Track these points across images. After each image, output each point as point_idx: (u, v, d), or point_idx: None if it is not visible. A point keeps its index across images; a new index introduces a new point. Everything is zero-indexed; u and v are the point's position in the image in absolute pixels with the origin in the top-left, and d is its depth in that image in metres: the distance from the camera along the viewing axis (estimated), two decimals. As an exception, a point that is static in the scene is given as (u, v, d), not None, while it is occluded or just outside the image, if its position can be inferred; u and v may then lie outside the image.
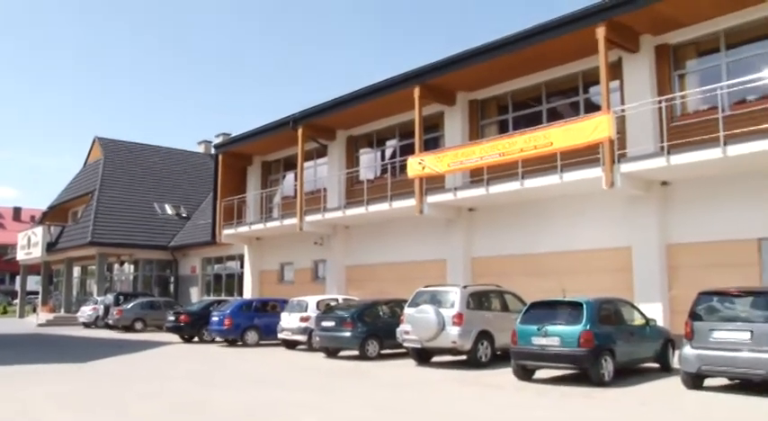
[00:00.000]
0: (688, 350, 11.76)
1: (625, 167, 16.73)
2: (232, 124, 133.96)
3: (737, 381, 12.02)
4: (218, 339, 23.85)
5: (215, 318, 22.99)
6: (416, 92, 21.85)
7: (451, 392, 12.35)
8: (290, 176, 31.31)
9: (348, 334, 17.84)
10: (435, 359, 16.76)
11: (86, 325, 34.68)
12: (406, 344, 16.56)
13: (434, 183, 21.80)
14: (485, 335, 15.68)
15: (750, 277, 15.61)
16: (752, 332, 11.12)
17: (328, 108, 25.67)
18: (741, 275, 15.46)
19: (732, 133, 15.15)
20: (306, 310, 20.53)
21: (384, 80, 23.17)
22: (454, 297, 15.90)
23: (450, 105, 23.05)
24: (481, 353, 15.57)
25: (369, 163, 27.59)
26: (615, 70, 18.72)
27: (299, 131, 26.59)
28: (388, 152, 26.92)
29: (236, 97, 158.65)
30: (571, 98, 20.81)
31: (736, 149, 14.88)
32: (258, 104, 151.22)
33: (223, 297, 32.31)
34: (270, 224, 28.51)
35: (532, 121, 20.72)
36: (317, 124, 26.94)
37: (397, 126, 25.71)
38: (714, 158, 15.29)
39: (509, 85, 21.90)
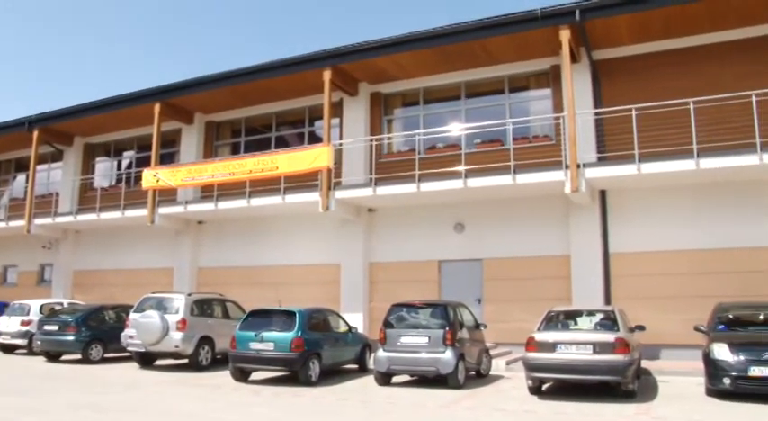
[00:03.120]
0: (381, 353, 13.08)
1: (339, 194, 18.09)
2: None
3: (416, 378, 13.62)
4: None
5: None
6: (157, 108, 21.58)
7: (172, 393, 12.34)
8: (21, 178, 28.81)
9: (71, 338, 16.87)
10: (158, 362, 16.58)
11: None
12: (129, 348, 16.11)
13: (167, 195, 21.65)
14: (206, 341, 15.80)
15: (432, 291, 17.84)
16: (429, 337, 12.77)
17: (67, 114, 24.18)
18: (426, 290, 17.64)
19: (425, 172, 17.17)
20: (28, 314, 19.10)
21: (126, 94, 22.48)
22: (179, 303, 15.80)
23: (188, 124, 23.08)
24: (202, 357, 15.67)
25: (105, 171, 26.43)
26: (337, 109, 20.14)
27: (35, 134, 24.73)
28: (125, 162, 26.07)
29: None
30: (298, 129, 21.96)
31: (427, 186, 16.91)
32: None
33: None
34: (-7, 225, 26.09)
35: (262, 146, 21.59)
36: (55, 129, 25.26)
37: (135, 138, 25.07)
38: (410, 192, 17.19)
39: (244, 112, 22.56)
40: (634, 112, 15.22)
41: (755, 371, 10.42)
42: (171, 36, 63.84)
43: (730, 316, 12.44)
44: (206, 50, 63.36)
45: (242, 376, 13.68)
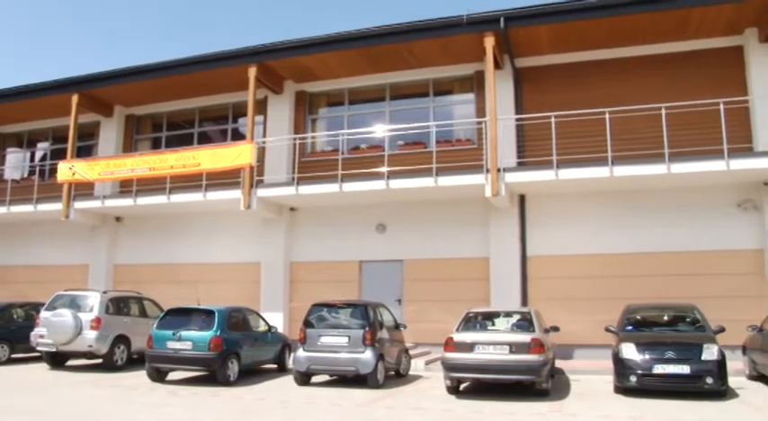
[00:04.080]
0: (300, 352, 13.00)
1: (261, 192, 17.87)
2: None
3: (335, 377, 13.63)
4: None
5: None
6: (74, 99, 20.74)
7: (85, 394, 11.94)
8: None
9: (-27, 337, 16.08)
10: (70, 363, 16.02)
11: None
12: (39, 348, 15.42)
13: (83, 189, 20.88)
14: (122, 340, 15.37)
15: (353, 292, 17.86)
16: (349, 337, 12.77)
17: (-26, 102, 22.93)
18: (347, 290, 17.64)
19: (348, 173, 17.16)
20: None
21: (42, 83, 21.47)
22: (93, 301, 15.30)
23: (107, 116, 22.32)
24: (117, 357, 15.22)
25: (16, 162, 25.24)
26: (261, 106, 19.91)
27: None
28: (39, 154, 25.00)
29: None
30: (221, 125, 21.59)
31: (350, 186, 16.90)
32: None
33: None
34: None
35: (184, 142, 21.11)
36: (-37, 116, 23.92)
37: (51, 129, 24.06)
38: (333, 192, 17.14)
39: (166, 106, 21.97)
40: (553, 120, 15.63)
41: (659, 368, 10.96)
42: (85, 29, 61.72)
43: (638, 317, 13.01)
44: (127, 44, 61.55)
45: (159, 376, 13.38)
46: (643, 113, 15.06)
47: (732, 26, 16.21)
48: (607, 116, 15.21)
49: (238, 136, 20.62)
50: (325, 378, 13.75)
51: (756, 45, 16.23)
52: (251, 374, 14.21)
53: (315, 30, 62.17)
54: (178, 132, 22.04)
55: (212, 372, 13.00)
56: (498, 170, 15.67)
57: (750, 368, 13.29)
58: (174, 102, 21.73)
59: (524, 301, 16.57)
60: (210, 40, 61.25)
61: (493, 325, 12.57)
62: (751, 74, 16.19)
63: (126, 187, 20.70)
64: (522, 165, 16.55)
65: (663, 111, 14.85)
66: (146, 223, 21.04)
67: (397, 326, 14.46)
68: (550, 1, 15.99)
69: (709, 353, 10.97)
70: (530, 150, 16.74)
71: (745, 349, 13.61)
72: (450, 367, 11.54)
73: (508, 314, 12.80)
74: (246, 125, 18.76)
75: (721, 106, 14.65)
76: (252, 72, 18.40)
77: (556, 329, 13.08)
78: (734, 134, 14.88)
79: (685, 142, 14.62)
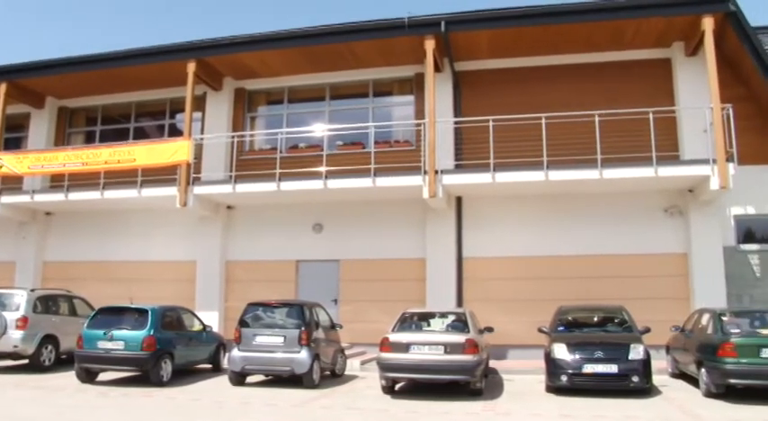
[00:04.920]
0: (235, 352, 12.84)
1: (198, 190, 17.57)
2: None
3: (271, 378, 13.51)
4: None
5: None
6: (2, 88, 19.78)
7: (9, 396, 11.47)
8: None
9: None
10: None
11: None
12: (-40, 349, 14.67)
13: (11, 183, 20.02)
14: (50, 339, 14.79)
15: (289, 291, 17.76)
16: (285, 337, 12.68)
17: None
18: (283, 289, 17.52)
19: (286, 171, 17.01)
20: None
21: (-34, 71, 20.55)
22: (20, 300, 14.66)
23: (38, 108, 21.49)
24: (45, 357, 14.65)
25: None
26: (200, 103, 19.53)
27: None
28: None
29: None
30: (158, 121, 21.09)
31: (287, 185, 16.78)
32: None
33: None
34: None
35: (120, 137, 20.48)
36: None
37: (-25, 120, 23.08)
38: (270, 191, 16.98)
39: (101, 99, 21.33)
40: (491, 123, 15.86)
41: (588, 368, 11.28)
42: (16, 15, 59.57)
43: (569, 318, 13.35)
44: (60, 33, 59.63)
45: (88, 377, 13.00)
46: (578, 120, 15.41)
47: (662, 39, 16.82)
48: (543, 121, 15.50)
49: (176, 132, 20.19)
50: (261, 378, 13.60)
51: (683, 58, 16.91)
52: (185, 374, 13.95)
53: (256, 28, 61.63)
54: (113, 127, 21.42)
55: (145, 373, 12.70)
56: (436, 172, 15.82)
57: (673, 366, 13.85)
58: (110, 95, 21.11)
59: (460, 302, 16.76)
60: (149, 36, 59.94)
61: (428, 325, 12.67)
62: (678, 85, 16.83)
63: (57, 182, 19.98)
64: (459, 168, 16.75)
65: (596, 119, 15.24)
66: (78, 219, 20.34)
67: (333, 326, 14.43)
68: (491, 7, 16.27)
69: (636, 352, 11.34)
70: (467, 153, 16.94)
71: (668, 348, 14.14)
72: (385, 367, 11.58)
73: (443, 315, 12.94)
74: (184, 121, 18.42)
75: (651, 115, 15.16)
76: (191, 68, 18.07)
77: (490, 330, 13.29)
78: (662, 143, 15.43)
79: (617, 149, 15.09)
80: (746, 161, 15.15)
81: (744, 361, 10.61)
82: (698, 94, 16.04)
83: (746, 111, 15.96)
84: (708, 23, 15.16)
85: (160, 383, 12.65)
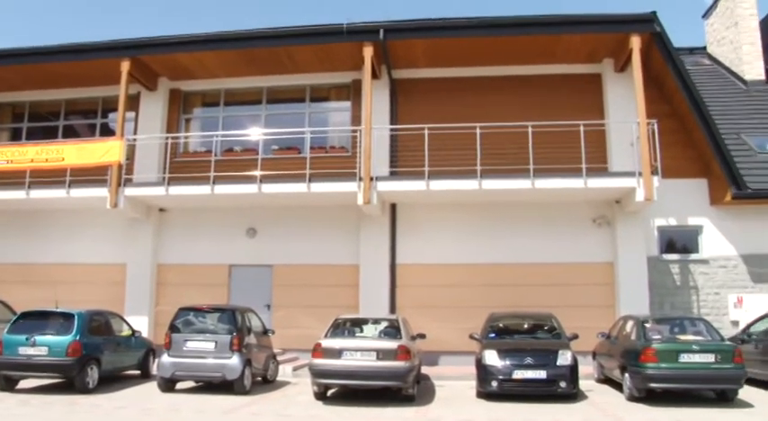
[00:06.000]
0: (165, 358, 12.52)
1: (129, 191, 17.11)
2: None
3: (201, 384, 13.28)
4: None
5: None
6: None
7: None
8: None
9: None
10: None
11: None
12: None
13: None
14: (-33, 345, 14.19)
15: (221, 296, 17.49)
16: (216, 342, 12.45)
17: None
18: (216, 294, 17.26)
19: (220, 175, 16.76)
20: None
21: None
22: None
23: (-42, 103, 20.66)
24: (-40, 364, 14.06)
25: None
26: (133, 102, 19.03)
27: None
28: None
29: None
30: (90, 119, 20.43)
31: (221, 189, 16.55)
32: None
33: None
34: None
35: (48, 135, 19.77)
36: None
37: None
38: (204, 194, 16.68)
39: (29, 95, 20.47)
40: (426, 132, 15.99)
41: (518, 374, 11.47)
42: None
43: (500, 325, 13.56)
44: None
45: (8, 385, 12.47)
46: (512, 130, 15.69)
47: (593, 55, 17.38)
48: (478, 131, 15.73)
49: (107, 132, 19.62)
50: (191, 384, 13.34)
51: (612, 74, 17.50)
52: (112, 381, 13.55)
53: (193, 28, 60.66)
54: (42, 124, 20.65)
55: (70, 380, 12.30)
56: (371, 179, 15.85)
57: (598, 372, 14.22)
58: (39, 91, 20.31)
59: (393, 309, 16.82)
60: (81, 32, 58.26)
61: (361, 331, 12.70)
62: (608, 100, 17.38)
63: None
64: (394, 175, 16.82)
65: (529, 130, 15.58)
66: (0, 219, 19.53)
67: (265, 332, 14.28)
68: (428, 16, 16.45)
69: (564, 358, 11.61)
70: (403, 160, 17.05)
71: (594, 354, 14.51)
72: (317, 373, 11.52)
73: (376, 321, 13.00)
74: (116, 121, 17.93)
75: (581, 128, 15.58)
76: (125, 66, 17.60)
77: (422, 336, 13.37)
78: (592, 155, 15.88)
79: (549, 160, 15.42)
80: (670, 175, 15.75)
81: (664, 365, 11.05)
82: (626, 108, 16.63)
83: (671, 127, 16.58)
84: (635, 42, 15.72)
85: (86, 390, 12.24)
